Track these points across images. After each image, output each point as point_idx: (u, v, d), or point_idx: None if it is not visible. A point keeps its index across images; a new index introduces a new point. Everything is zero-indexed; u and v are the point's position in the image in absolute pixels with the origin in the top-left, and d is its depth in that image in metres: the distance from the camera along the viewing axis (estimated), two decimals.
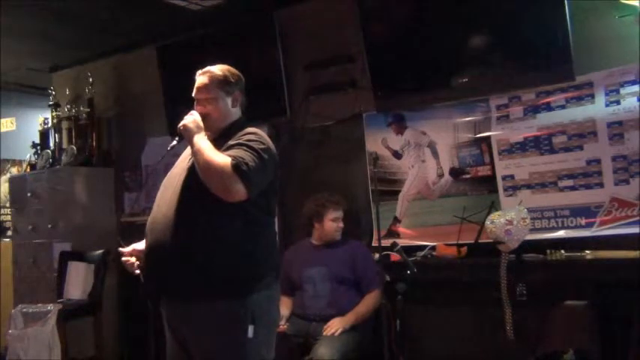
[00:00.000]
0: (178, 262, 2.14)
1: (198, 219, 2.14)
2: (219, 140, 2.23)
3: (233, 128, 2.32)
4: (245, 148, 2.15)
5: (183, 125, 2.24)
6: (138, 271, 2.24)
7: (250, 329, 2.11)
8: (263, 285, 2.18)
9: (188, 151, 2.32)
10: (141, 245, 2.30)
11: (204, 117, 2.28)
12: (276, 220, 2.48)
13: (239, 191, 2.08)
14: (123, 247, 2.32)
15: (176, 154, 2.43)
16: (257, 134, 2.27)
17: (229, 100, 2.35)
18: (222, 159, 2.10)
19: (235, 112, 2.38)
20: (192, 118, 2.25)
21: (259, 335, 2.13)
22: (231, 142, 2.20)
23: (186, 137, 2.24)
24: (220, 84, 2.33)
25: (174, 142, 2.36)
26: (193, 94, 2.36)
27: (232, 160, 2.08)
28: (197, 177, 2.14)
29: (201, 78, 2.35)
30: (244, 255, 2.15)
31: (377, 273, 3.22)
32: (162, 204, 2.25)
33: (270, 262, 2.25)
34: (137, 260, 2.26)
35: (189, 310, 2.15)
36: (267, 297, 2.20)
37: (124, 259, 2.28)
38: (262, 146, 2.19)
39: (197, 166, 2.14)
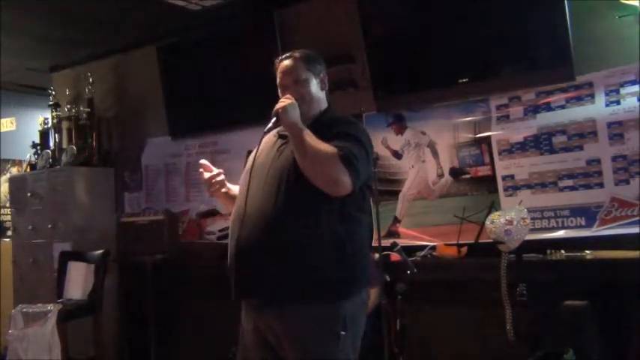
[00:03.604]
0: (277, 261, 1.99)
1: (300, 216, 2.00)
2: (311, 130, 2.04)
3: (324, 117, 2.18)
4: (348, 138, 2.02)
5: (282, 108, 2.03)
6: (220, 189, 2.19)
7: (342, 335, 2.00)
8: (357, 289, 2.07)
9: (272, 138, 2.21)
10: (225, 185, 2.24)
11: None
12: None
13: (346, 183, 1.95)
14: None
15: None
16: (357, 124, 2.17)
17: (318, 82, 2.22)
18: (328, 148, 1.95)
19: (324, 98, 2.24)
20: (290, 102, 2.06)
21: (349, 340, 2.03)
22: (333, 131, 2.04)
23: (284, 122, 2.04)
24: (306, 64, 2.20)
25: (271, 125, 2.10)
26: (279, 81, 2.22)
27: (339, 150, 1.95)
28: (297, 168, 1.99)
29: (285, 62, 2.22)
30: (344, 256, 2.02)
31: (375, 270, 3.21)
32: (250, 195, 2.08)
33: (364, 264, 2.13)
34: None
35: (286, 312, 2.01)
36: (361, 301, 2.11)
37: (208, 174, 2.21)
38: (364, 137, 2.09)
39: (299, 155, 1.98)
